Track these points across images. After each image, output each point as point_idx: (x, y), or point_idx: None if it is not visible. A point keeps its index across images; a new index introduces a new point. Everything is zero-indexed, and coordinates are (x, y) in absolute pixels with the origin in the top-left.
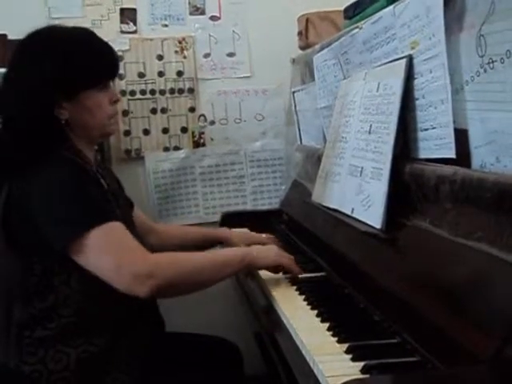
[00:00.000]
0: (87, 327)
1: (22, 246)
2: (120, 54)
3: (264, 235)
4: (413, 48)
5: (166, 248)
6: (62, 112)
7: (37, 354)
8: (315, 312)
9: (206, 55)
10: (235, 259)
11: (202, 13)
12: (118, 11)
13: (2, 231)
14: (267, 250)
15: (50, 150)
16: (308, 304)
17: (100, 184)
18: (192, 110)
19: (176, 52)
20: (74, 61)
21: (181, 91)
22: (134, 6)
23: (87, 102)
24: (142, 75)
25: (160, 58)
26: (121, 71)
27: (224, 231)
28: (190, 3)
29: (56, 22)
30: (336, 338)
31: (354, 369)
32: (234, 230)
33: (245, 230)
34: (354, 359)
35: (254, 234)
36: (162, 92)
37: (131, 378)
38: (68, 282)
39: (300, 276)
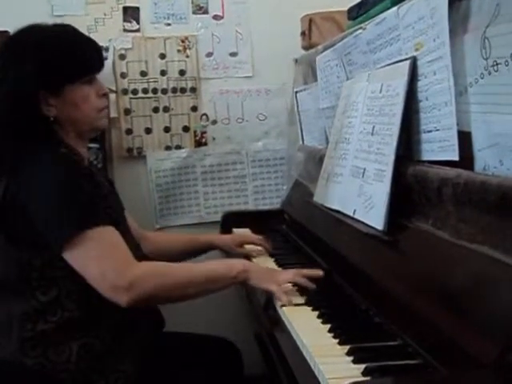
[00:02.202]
0: (89, 320)
1: (20, 241)
2: (122, 52)
3: (258, 237)
4: (417, 49)
5: (157, 255)
6: (50, 109)
7: (39, 347)
8: (316, 313)
9: (209, 54)
10: (229, 274)
11: (205, 12)
12: (121, 9)
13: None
14: (270, 274)
15: (43, 148)
16: (309, 305)
17: (94, 182)
18: (194, 109)
19: (178, 51)
20: (56, 56)
21: (183, 90)
22: (137, 5)
23: (73, 96)
24: (144, 74)
25: (162, 56)
26: (123, 70)
27: (215, 238)
28: (193, 2)
29: (59, 20)
30: (337, 340)
31: (356, 371)
32: (234, 229)
33: (246, 230)
34: (355, 361)
35: (245, 237)
36: (164, 91)
37: (132, 370)
38: (71, 276)
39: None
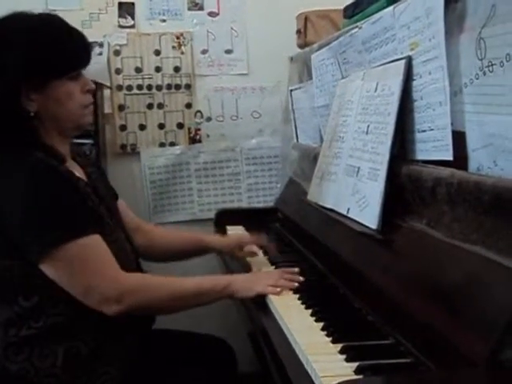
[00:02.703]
0: (74, 325)
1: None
2: (117, 48)
3: (255, 237)
4: (412, 49)
5: (154, 249)
6: (31, 104)
7: (23, 353)
8: (309, 311)
9: (204, 51)
10: (214, 289)
11: (201, 8)
12: (116, 5)
13: None
14: (254, 280)
15: (19, 146)
16: (302, 303)
17: (73, 183)
18: (188, 106)
19: (173, 47)
20: (43, 48)
21: (178, 87)
22: (132, 0)
23: (57, 92)
24: (139, 70)
25: (157, 53)
26: (118, 66)
27: (216, 241)
28: None
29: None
30: (330, 338)
31: (348, 369)
32: (228, 227)
33: (239, 228)
34: (347, 360)
35: (244, 238)
36: (159, 87)
37: (120, 372)
38: (52, 284)
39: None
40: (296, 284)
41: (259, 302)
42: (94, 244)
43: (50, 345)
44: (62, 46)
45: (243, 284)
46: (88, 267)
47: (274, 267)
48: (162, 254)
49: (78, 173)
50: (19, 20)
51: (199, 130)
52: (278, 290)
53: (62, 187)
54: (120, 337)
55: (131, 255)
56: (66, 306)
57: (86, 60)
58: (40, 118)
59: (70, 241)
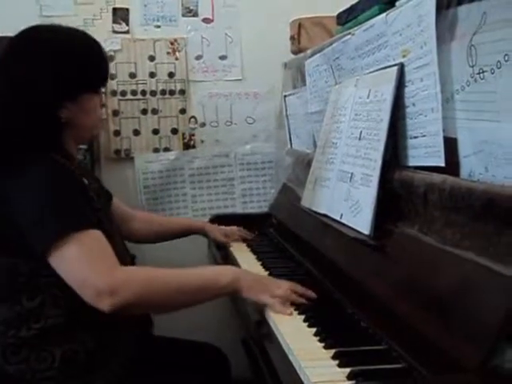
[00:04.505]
0: (73, 327)
1: (6, 246)
2: (111, 54)
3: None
4: (404, 56)
5: (147, 234)
6: (63, 111)
7: (20, 354)
8: (302, 317)
9: (198, 57)
10: (218, 283)
11: (195, 15)
12: (111, 11)
13: None
14: (263, 284)
15: (43, 148)
16: (295, 309)
17: (84, 185)
18: (183, 111)
19: (168, 53)
20: (81, 61)
21: (172, 92)
22: (126, 6)
23: (86, 103)
24: (133, 76)
25: (152, 58)
26: (112, 71)
27: (200, 224)
28: (182, 5)
29: (47, 20)
30: (323, 344)
31: (341, 375)
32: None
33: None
34: (340, 365)
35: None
36: (153, 93)
37: (116, 376)
38: (57, 283)
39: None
40: (305, 301)
41: (253, 310)
42: (96, 237)
43: (47, 347)
44: (95, 61)
45: (250, 284)
46: (90, 259)
47: (261, 262)
48: (156, 237)
49: (85, 178)
50: (56, 33)
51: (193, 135)
52: (288, 311)
53: (73, 187)
54: (118, 340)
55: (127, 258)
56: (66, 307)
57: (107, 77)
58: (67, 125)
59: (75, 231)
